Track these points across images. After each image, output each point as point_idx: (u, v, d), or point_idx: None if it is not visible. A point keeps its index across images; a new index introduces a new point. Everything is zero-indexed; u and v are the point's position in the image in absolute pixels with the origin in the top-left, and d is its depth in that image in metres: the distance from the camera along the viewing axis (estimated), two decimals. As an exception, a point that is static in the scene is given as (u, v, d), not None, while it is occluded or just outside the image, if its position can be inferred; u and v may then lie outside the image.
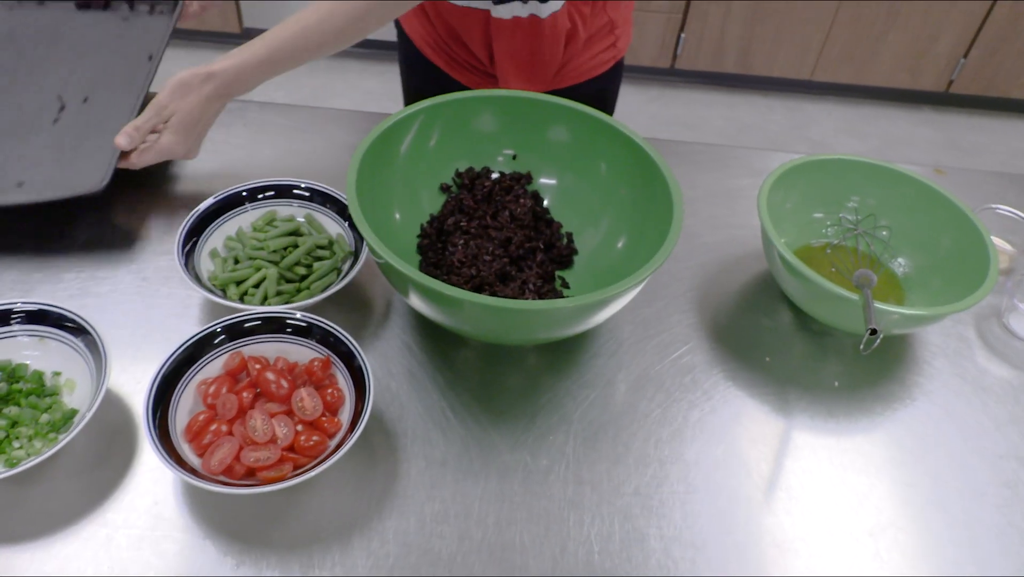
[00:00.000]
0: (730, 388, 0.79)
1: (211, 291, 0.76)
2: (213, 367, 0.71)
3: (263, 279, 0.77)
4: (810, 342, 0.85)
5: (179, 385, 0.68)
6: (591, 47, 1.09)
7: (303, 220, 0.85)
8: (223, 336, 0.71)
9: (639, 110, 2.83)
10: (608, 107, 1.20)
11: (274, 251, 0.80)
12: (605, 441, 0.73)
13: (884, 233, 0.90)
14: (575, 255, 0.88)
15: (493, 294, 0.78)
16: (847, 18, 2.70)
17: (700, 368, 0.81)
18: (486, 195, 0.88)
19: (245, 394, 0.69)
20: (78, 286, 0.82)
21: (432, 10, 1.05)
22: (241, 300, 0.77)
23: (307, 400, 0.69)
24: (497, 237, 0.84)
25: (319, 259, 0.81)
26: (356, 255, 0.80)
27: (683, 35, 2.77)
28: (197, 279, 0.77)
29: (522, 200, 0.88)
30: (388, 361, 0.78)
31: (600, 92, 1.16)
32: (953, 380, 0.82)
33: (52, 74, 0.95)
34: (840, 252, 0.91)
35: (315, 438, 0.67)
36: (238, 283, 0.78)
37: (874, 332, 0.68)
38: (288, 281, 0.79)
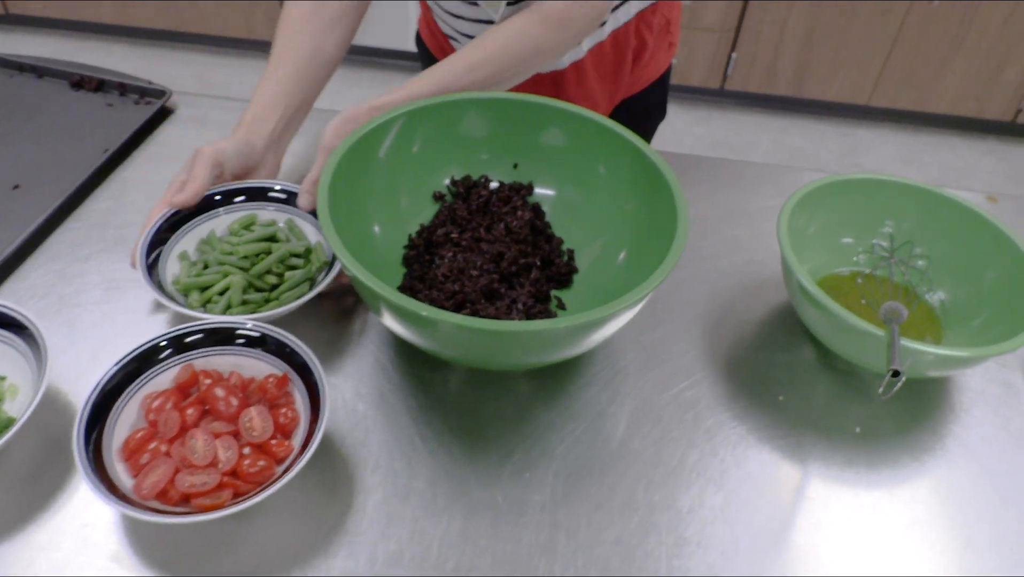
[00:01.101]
0: (736, 429, 0.71)
1: (170, 296, 0.71)
2: (162, 379, 0.65)
3: (228, 287, 0.72)
4: (832, 382, 0.76)
5: (122, 398, 0.63)
6: (655, 52, 1.05)
7: (284, 225, 0.79)
8: (169, 349, 0.65)
9: (685, 131, 2.74)
10: (663, 111, 1.14)
11: (244, 257, 0.74)
12: (589, 481, 0.66)
13: (921, 263, 0.80)
14: (575, 273, 0.80)
15: (475, 313, 0.71)
16: (909, 42, 2.57)
17: (704, 404, 0.72)
18: (482, 205, 0.82)
19: (190, 411, 0.63)
20: (46, 284, 0.78)
21: None
22: (204, 308, 0.72)
23: (256, 420, 0.63)
24: (488, 251, 0.78)
25: (293, 268, 0.75)
26: (332, 265, 0.74)
27: (734, 55, 2.68)
28: (159, 284, 0.72)
29: (520, 212, 0.81)
30: (358, 381, 0.72)
31: (660, 96, 1.11)
32: (995, 432, 0.72)
33: (5, 152, 0.92)
34: (872, 282, 0.81)
35: (261, 463, 0.61)
36: (202, 289, 0.73)
37: (896, 374, 0.59)
38: (258, 290, 0.74)
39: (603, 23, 0.95)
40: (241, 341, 0.66)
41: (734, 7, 2.56)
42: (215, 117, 1.00)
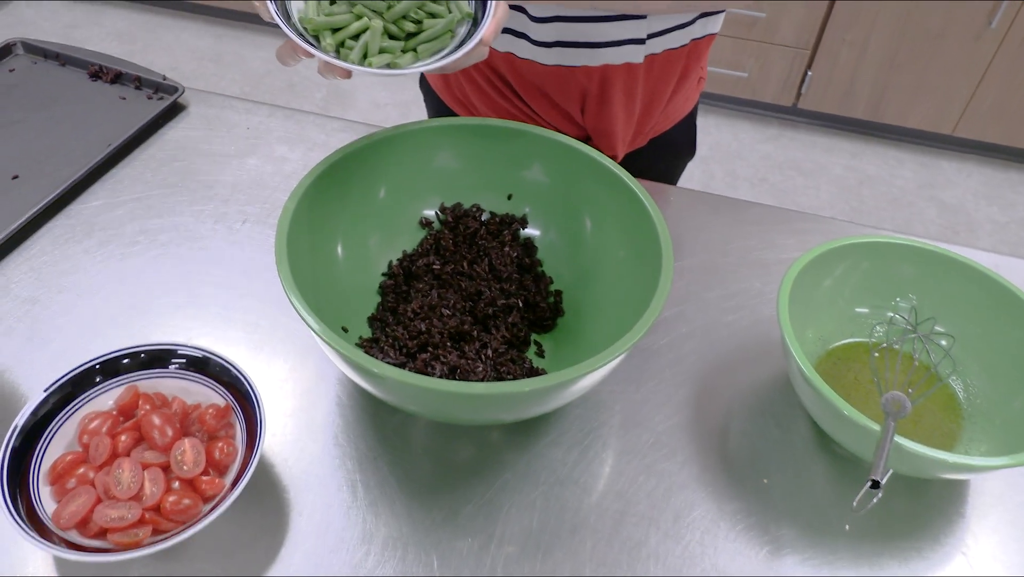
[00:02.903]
0: (709, 511, 0.65)
1: (302, 35, 0.63)
2: (105, 399, 0.63)
3: (365, 29, 0.64)
4: (828, 467, 0.68)
5: (58, 419, 0.61)
6: (689, 90, 0.98)
7: None
8: (100, 375, 0.63)
9: (752, 148, 2.62)
10: (692, 149, 1.07)
11: None
12: (532, 558, 0.61)
13: (944, 341, 0.72)
14: (560, 317, 0.75)
15: (436, 358, 0.67)
16: (1002, 71, 2.40)
17: (678, 479, 0.66)
18: (469, 236, 0.77)
19: (124, 437, 0.60)
20: (20, 284, 0.77)
21: (515, 79, 0.91)
22: (337, 53, 0.64)
23: (189, 454, 0.60)
24: (467, 289, 0.73)
25: (432, 15, 0.67)
26: (476, 22, 0.66)
27: (810, 73, 2.55)
28: (287, 18, 0.64)
29: (508, 248, 0.76)
30: (311, 417, 0.68)
31: (690, 132, 1.03)
32: (1010, 546, 0.64)
33: (12, 140, 0.92)
34: (888, 358, 0.74)
35: (187, 501, 0.58)
36: (334, 31, 0.65)
37: (876, 485, 0.52)
38: (392, 38, 0.66)
39: (664, 32, 0.86)
40: (181, 363, 0.63)
41: (812, 24, 2.43)
42: (225, 117, 0.97)
